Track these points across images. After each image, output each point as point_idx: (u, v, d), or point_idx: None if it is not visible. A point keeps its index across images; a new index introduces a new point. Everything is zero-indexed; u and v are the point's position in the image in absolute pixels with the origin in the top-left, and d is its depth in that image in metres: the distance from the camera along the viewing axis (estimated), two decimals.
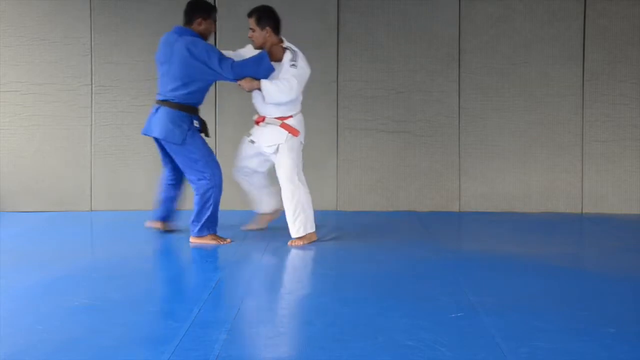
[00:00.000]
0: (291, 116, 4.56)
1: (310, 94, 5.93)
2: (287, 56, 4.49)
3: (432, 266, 4.03)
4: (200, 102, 4.57)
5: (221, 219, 4.63)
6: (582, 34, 5.92)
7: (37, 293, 3.43)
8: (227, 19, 5.91)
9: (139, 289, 3.55)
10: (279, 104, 4.50)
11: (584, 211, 5.95)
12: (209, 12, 4.56)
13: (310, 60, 5.93)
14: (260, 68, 4.45)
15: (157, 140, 4.56)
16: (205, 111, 4.86)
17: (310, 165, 5.95)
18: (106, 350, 2.64)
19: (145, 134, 4.60)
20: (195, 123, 4.51)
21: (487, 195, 5.99)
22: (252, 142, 4.66)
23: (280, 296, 3.61)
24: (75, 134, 5.95)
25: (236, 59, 4.52)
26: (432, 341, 2.71)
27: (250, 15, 4.53)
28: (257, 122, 4.62)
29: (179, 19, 5.91)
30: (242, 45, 4.85)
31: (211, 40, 4.63)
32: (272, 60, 4.48)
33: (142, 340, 2.75)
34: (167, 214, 4.81)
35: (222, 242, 4.54)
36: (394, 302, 3.26)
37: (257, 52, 4.55)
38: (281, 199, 4.59)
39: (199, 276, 3.98)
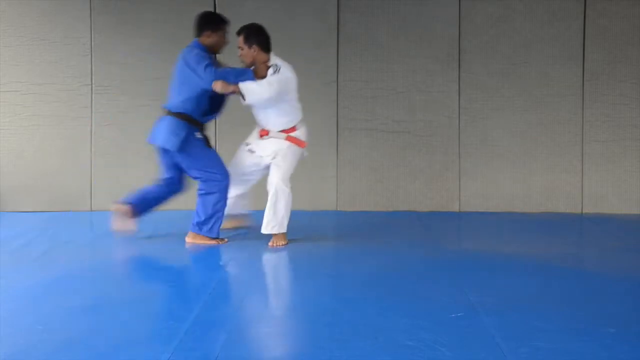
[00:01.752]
0: (294, 128, 4.56)
1: (310, 94, 5.95)
2: (269, 72, 4.47)
3: (432, 266, 4.03)
4: (194, 112, 4.50)
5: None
6: (582, 34, 5.92)
7: (37, 293, 3.43)
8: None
9: (139, 289, 3.55)
10: (279, 116, 4.52)
11: (584, 211, 5.95)
12: (218, 24, 4.57)
13: (310, 61, 5.97)
14: (240, 79, 4.44)
15: (161, 149, 4.58)
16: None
17: (310, 165, 5.97)
18: (106, 350, 2.64)
19: (149, 142, 4.66)
20: (197, 135, 4.51)
21: (487, 195, 5.99)
22: (251, 151, 4.65)
23: (280, 296, 3.61)
24: (75, 134, 5.95)
25: None
26: (432, 341, 2.71)
27: (238, 33, 4.53)
28: (261, 135, 4.63)
29: (178, 19, 5.94)
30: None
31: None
32: (256, 78, 4.48)
33: (142, 340, 2.75)
34: (137, 203, 4.70)
35: (220, 242, 4.56)
36: (394, 302, 3.26)
37: None
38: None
39: (199, 276, 3.98)
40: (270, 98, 4.41)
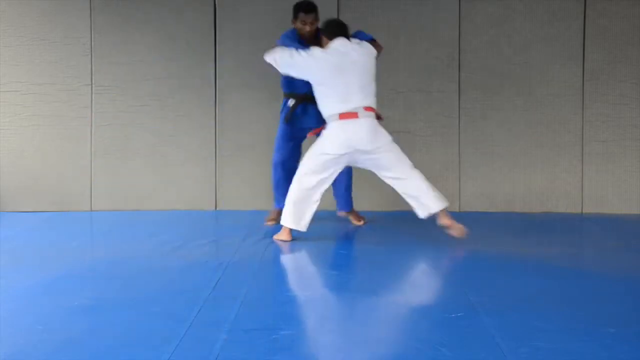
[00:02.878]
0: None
1: None
2: None
3: (433, 266, 4.04)
4: (284, 86, 5.01)
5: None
6: (582, 34, 5.92)
7: (37, 293, 3.43)
8: (228, 20, 5.92)
9: (139, 289, 3.55)
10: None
11: (584, 211, 5.94)
12: (295, 12, 4.88)
13: None
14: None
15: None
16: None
17: None
18: (106, 350, 2.64)
19: None
20: (289, 102, 5.01)
21: (487, 195, 5.99)
22: None
23: (280, 296, 3.60)
24: (75, 134, 5.95)
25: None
26: (432, 341, 2.71)
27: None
28: None
29: (178, 19, 5.93)
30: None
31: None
32: None
33: (142, 340, 2.75)
34: (343, 201, 5.35)
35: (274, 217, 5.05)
36: (394, 302, 3.26)
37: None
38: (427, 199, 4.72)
39: (199, 276, 3.97)
40: (272, 60, 4.64)
